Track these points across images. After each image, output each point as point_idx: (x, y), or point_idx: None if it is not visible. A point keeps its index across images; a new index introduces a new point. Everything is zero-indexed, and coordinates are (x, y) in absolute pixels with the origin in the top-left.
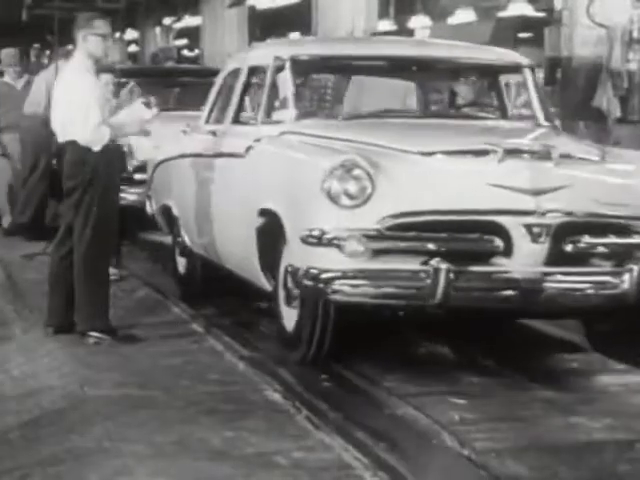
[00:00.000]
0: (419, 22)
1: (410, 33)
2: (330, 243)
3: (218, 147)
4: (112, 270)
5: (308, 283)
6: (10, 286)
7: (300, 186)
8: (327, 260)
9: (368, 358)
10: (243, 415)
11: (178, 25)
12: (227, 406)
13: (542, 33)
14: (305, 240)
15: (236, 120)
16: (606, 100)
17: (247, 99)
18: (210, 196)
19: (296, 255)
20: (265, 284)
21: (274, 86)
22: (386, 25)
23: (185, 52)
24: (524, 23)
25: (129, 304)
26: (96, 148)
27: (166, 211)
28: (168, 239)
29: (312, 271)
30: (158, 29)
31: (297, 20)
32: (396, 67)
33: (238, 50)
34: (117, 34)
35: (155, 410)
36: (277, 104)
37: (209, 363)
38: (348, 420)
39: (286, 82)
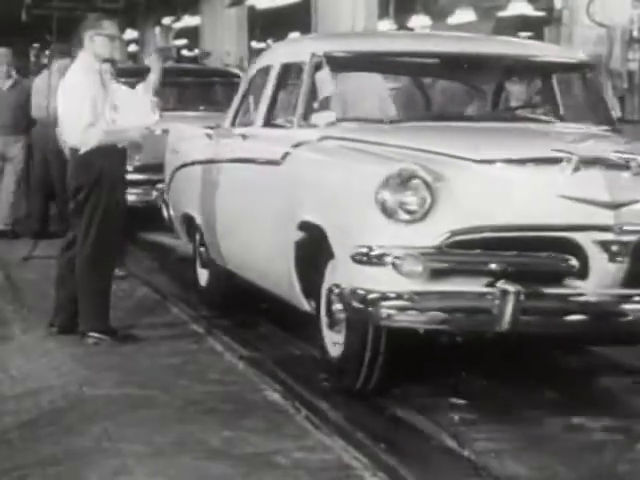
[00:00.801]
0: (419, 22)
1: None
2: (384, 262)
3: (249, 152)
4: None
5: (357, 306)
6: (9, 286)
7: (349, 198)
8: (380, 281)
9: None
10: (242, 415)
11: (178, 25)
12: (226, 406)
13: (542, 32)
14: (355, 258)
15: (268, 123)
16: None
17: (279, 100)
18: (240, 206)
19: (343, 274)
20: (303, 304)
21: (312, 86)
22: (386, 25)
23: (184, 52)
24: (524, 22)
25: (129, 304)
26: (83, 150)
27: (187, 220)
28: (171, 242)
29: (362, 292)
30: (158, 29)
31: (297, 20)
32: (446, 65)
33: (238, 50)
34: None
35: (154, 410)
36: (315, 105)
37: (209, 363)
38: (348, 420)
39: (325, 81)
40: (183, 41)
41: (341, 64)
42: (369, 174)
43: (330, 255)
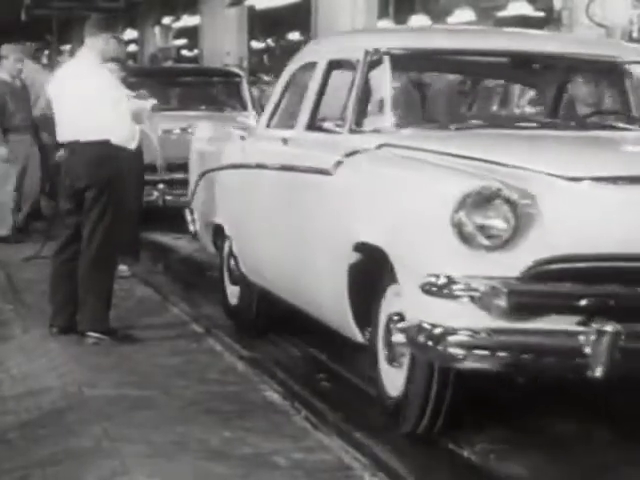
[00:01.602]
0: (419, 21)
1: None
2: (459, 294)
3: (292, 159)
4: (122, 267)
5: (425, 342)
6: (9, 286)
7: (418, 218)
8: (453, 315)
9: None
10: (242, 415)
11: (177, 25)
12: (226, 406)
13: None
14: (424, 288)
15: (312, 126)
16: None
17: (326, 101)
18: (281, 219)
19: (409, 304)
20: (355, 334)
21: (365, 86)
22: (385, 24)
23: (184, 51)
24: (523, 23)
25: (129, 304)
26: (132, 146)
27: (214, 229)
28: (171, 242)
29: (431, 328)
30: (157, 29)
31: (296, 20)
32: (515, 65)
33: (238, 50)
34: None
35: (154, 410)
36: (369, 108)
37: (208, 363)
38: (347, 420)
39: (382, 81)
40: (183, 41)
41: (399, 62)
42: (443, 192)
43: (391, 280)
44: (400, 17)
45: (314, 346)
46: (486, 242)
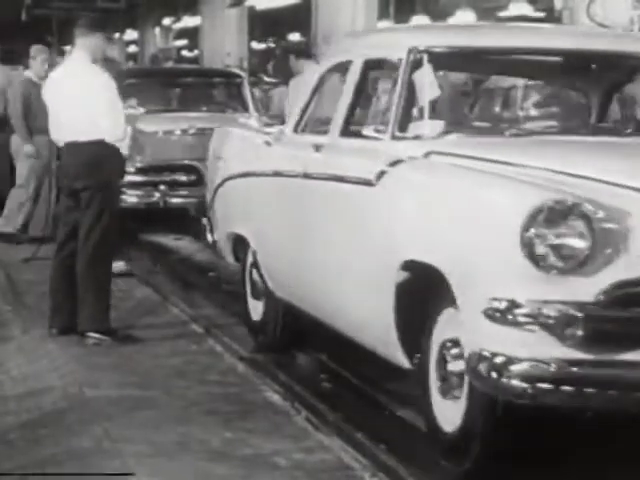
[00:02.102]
0: (419, 22)
1: None
2: (527, 321)
3: (326, 167)
4: (119, 263)
5: (488, 374)
6: (9, 287)
7: (480, 235)
8: (522, 345)
9: (369, 359)
10: (243, 416)
11: (178, 25)
12: (227, 407)
13: None
14: (487, 313)
15: (348, 131)
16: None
17: (362, 103)
18: (315, 232)
19: (469, 330)
20: (401, 360)
21: (409, 88)
22: (386, 25)
23: (185, 52)
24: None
25: (129, 304)
26: (123, 144)
27: (236, 240)
28: (171, 242)
29: (496, 358)
30: (158, 29)
31: (297, 20)
32: (571, 65)
33: (238, 50)
34: (117, 34)
35: (155, 411)
36: (413, 112)
37: (209, 364)
38: (348, 421)
39: (427, 83)
40: (183, 42)
41: (447, 62)
42: (511, 206)
43: (446, 303)
44: (400, 17)
45: (315, 348)
46: (560, 263)
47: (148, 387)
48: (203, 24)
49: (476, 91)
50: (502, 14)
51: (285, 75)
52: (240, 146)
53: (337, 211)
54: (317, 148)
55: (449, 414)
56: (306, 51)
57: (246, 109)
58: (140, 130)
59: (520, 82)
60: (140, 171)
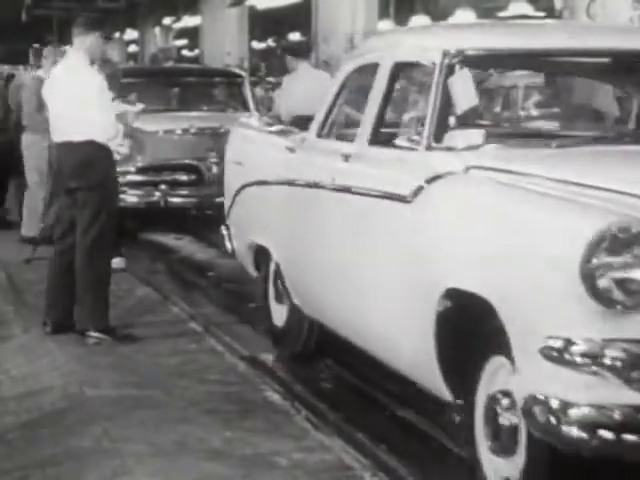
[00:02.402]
0: (419, 22)
1: None
2: (590, 363)
3: (356, 180)
4: (116, 259)
5: (545, 420)
6: (10, 287)
7: (532, 264)
8: (582, 388)
9: (369, 360)
10: (243, 415)
11: (178, 25)
12: (227, 406)
13: None
14: (545, 352)
15: (377, 139)
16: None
17: (393, 109)
18: (346, 250)
19: (524, 371)
20: (443, 392)
21: (445, 94)
22: (386, 25)
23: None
24: None
25: (129, 304)
26: (113, 144)
27: (257, 250)
28: (171, 242)
29: (551, 401)
30: (158, 29)
31: (297, 20)
32: (622, 66)
33: (238, 50)
34: (117, 34)
35: (154, 410)
36: (450, 121)
37: (209, 363)
38: (348, 421)
39: (464, 89)
40: (183, 41)
41: (486, 66)
42: (569, 234)
43: (496, 335)
44: (401, 17)
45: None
46: (625, 298)
47: (148, 386)
48: (203, 24)
49: (499, 92)
50: (502, 14)
51: (281, 74)
52: (260, 151)
53: (370, 228)
54: (345, 158)
55: (503, 471)
56: (301, 50)
57: (247, 109)
58: (141, 129)
59: (538, 81)
60: (141, 170)
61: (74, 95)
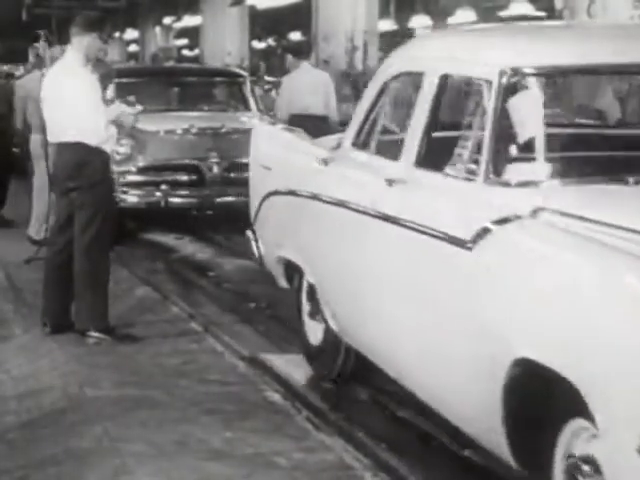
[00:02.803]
0: (420, 22)
1: (410, 33)
2: None
3: (403, 210)
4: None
5: None
6: (10, 286)
7: (626, 338)
8: None
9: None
10: (243, 415)
11: (178, 25)
12: (227, 406)
13: None
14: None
15: (425, 162)
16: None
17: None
18: (390, 286)
19: (615, 462)
20: (508, 458)
21: (504, 118)
22: (386, 25)
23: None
24: None
25: (129, 303)
26: (108, 147)
27: (288, 264)
28: (171, 242)
29: None
30: (158, 29)
31: (297, 19)
32: None
33: (239, 50)
34: (117, 34)
35: (155, 410)
36: (511, 151)
37: (209, 363)
38: (349, 421)
39: (527, 114)
40: (184, 41)
41: (554, 85)
42: None
43: (576, 413)
44: (401, 17)
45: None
46: None
47: (148, 386)
48: (204, 23)
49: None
50: (502, 13)
51: (281, 74)
52: (290, 158)
53: (421, 270)
54: (390, 183)
55: None
56: (301, 50)
57: (248, 109)
58: (141, 129)
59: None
60: (141, 170)
61: (66, 96)
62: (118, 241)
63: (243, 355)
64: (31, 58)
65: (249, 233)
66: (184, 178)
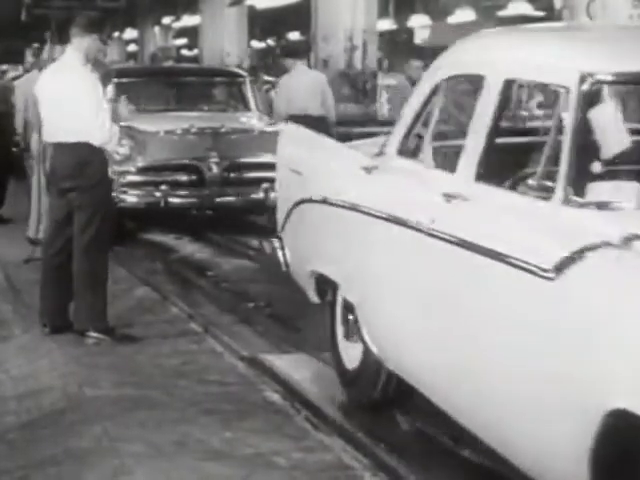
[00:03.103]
0: (419, 21)
1: (410, 32)
2: None
3: (466, 230)
4: None
5: None
6: (9, 286)
7: None
8: None
9: None
10: (242, 416)
11: (177, 25)
12: (226, 406)
13: None
14: None
15: (487, 175)
16: None
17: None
18: (451, 313)
19: None
20: None
21: (584, 131)
22: (386, 24)
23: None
24: (524, 22)
25: (128, 303)
26: (110, 147)
27: (321, 278)
28: (171, 242)
29: None
30: (157, 28)
31: (297, 19)
32: None
33: (238, 49)
34: (116, 33)
35: (154, 410)
36: (593, 166)
37: (208, 363)
38: (348, 421)
39: (612, 126)
40: (183, 41)
41: (637, 94)
42: None
43: None
44: (400, 17)
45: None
46: None
47: (147, 387)
48: (203, 23)
49: None
50: (501, 13)
51: (277, 74)
52: (325, 164)
53: (491, 300)
54: (447, 197)
55: None
56: (296, 50)
57: (248, 109)
58: (141, 129)
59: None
60: (141, 171)
61: (69, 95)
62: (117, 241)
63: (242, 355)
64: (29, 58)
65: (275, 241)
66: (184, 178)
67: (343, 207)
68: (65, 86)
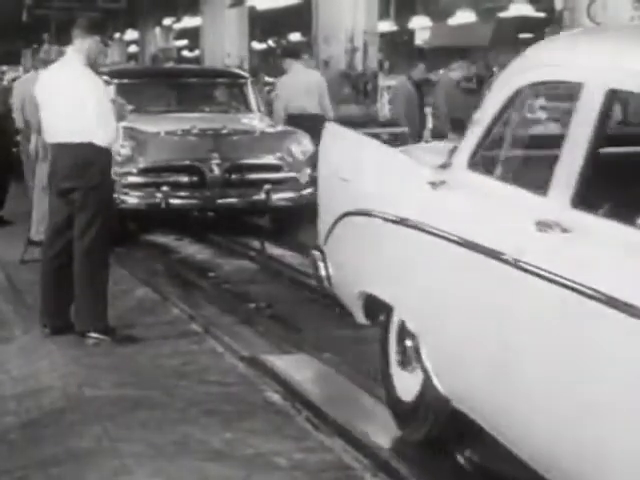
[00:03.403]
0: (419, 22)
1: (410, 34)
2: None
3: (565, 266)
4: None
5: None
6: (10, 287)
7: None
8: None
9: (369, 358)
10: (243, 416)
11: (178, 26)
12: (227, 407)
13: (543, 33)
14: None
15: (586, 201)
16: None
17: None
18: (539, 352)
19: None
20: None
21: None
22: (386, 25)
23: (185, 52)
24: (524, 23)
25: (128, 304)
26: (114, 147)
27: (372, 302)
28: (171, 242)
29: None
30: (158, 30)
31: (297, 20)
32: None
33: (238, 50)
34: (117, 34)
35: (155, 411)
36: None
37: (209, 364)
38: (348, 421)
39: None
40: (184, 42)
41: None
42: None
43: None
44: (401, 18)
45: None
46: None
47: (148, 387)
48: (204, 24)
49: None
50: (502, 15)
51: (276, 75)
52: (380, 173)
53: (591, 341)
54: (539, 225)
55: None
56: (293, 51)
57: (250, 110)
58: (142, 130)
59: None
60: (142, 172)
61: (74, 96)
62: (118, 242)
63: (243, 356)
64: (28, 59)
65: (315, 253)
66: (185, 179)
67: (404, 225)
68: (67, 86)
